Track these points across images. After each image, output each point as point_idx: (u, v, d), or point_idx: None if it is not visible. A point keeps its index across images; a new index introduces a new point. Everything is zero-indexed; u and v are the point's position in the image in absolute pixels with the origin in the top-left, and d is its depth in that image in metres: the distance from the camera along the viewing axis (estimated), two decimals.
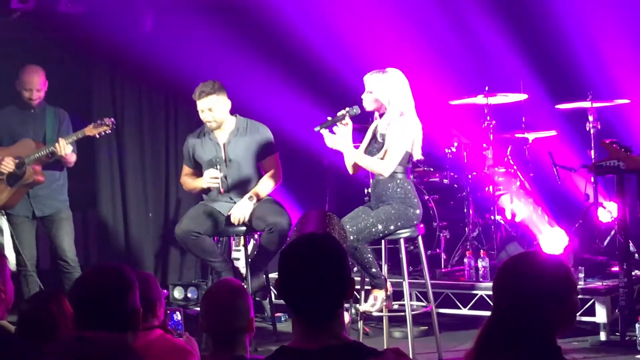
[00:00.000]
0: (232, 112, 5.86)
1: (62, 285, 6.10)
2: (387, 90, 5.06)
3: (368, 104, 5.15)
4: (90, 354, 2.48)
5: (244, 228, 5.66)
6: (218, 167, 5.72)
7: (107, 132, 6.02)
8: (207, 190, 5.86)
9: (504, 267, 2.46)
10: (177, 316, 4.19)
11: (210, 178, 5.70)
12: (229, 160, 5.75)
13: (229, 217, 5.64)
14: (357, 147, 5.27)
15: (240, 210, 5.59)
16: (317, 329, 2.30)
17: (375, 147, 5.15)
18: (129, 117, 7.99)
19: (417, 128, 5.11)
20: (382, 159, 5.06)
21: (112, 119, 6.05)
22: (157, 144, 8.15)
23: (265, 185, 5.74)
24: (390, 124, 5.05)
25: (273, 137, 5.87)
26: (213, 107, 5.70)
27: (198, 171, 5.92)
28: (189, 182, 5.97)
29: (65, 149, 5.91)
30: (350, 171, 5.33)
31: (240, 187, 5.75)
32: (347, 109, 5.10)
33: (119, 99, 7.95)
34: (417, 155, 5.18)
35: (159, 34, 7.57)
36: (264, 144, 5.80)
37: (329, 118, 5.12)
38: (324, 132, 5.06)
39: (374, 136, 5.21)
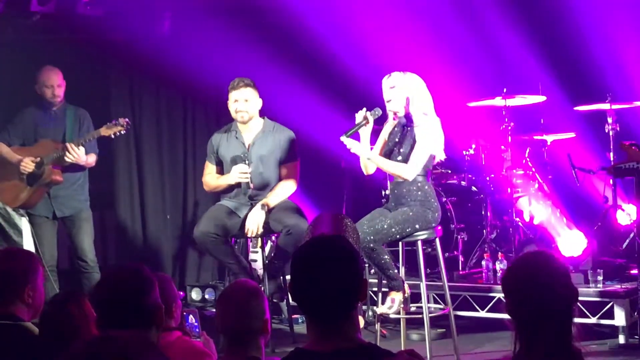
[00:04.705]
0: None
1: (81, 285, 6.14)
2: (411, 86, 5.08)
3: (397, 101, 5.09)
4: (114, 352, 2.50)
5: (260, 230, 5.67)
6: (247, 162, 5.73)
7: (121, 132, 6.04)
8: (228, 190, 5.86)
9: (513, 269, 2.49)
10: (192, 319, 4.19)
11: (240, 173, 5.71)
12: (251, 161, 5.77)
13: (244, 221, 5.66)
14: (371, 149, 5.28)
15: (254, 220, 5.59)
16: (331, 331, 2.29)
17: (399, 147, 5.13)
18: (147, 119, 8.02)
19: (440, 128, 5.12)
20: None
21: (127, 119, 6.06)
22: (175, 145, 8.19)
23: (278, 194, 5.72)
24: (417, 125, 5.05)
25: (297, 144, 5.88)
26: (249, 99, 5.75)
27: (220, 169, 5.94)
28: (213, 180, 5.96)
29: (75, 153, 5.95)
30: (365, 172, 5.33)
31: (259, 189, 5.76)
32: (369, 112, 5.10)
33: (137, 100, 7.98)
34: (441, 156, 5.18)
35: (177, 36, 7.60)
36: (286, 148, 5.81)
37: (357, 122, 5.11)
38: (347, 140, 5.04)
39: (398, 140, 5.18)
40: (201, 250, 7.65)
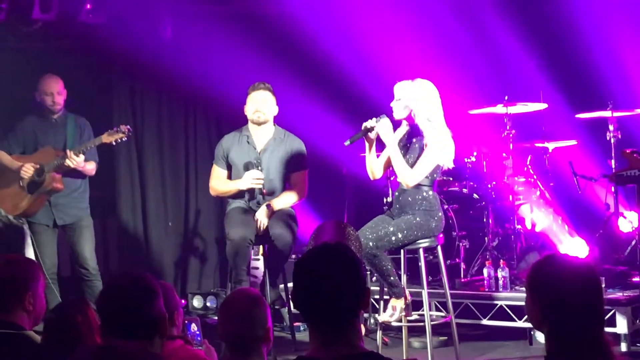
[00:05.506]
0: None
1: (83, 294, 6.13)
2: (415, 97, 5.07)
3: (398, 111, 5.14)
4: None
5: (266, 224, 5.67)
6: (260, 168, 5.74)
7: (123, 139, 6.03)
8: (236, 195, 5.85)
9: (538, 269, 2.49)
10: (194, 327, 4.19)
11: (254, 179, 5.71)
12: (262, 167, 5.77)
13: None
14: (378, 156, 5.28)
15: (262, 216, 5.61)
16: (333, 339, 2.29)
17: (405, 156, 5.12)
18: (148, 126, 8.02)
19: (450, 138, 5.12)
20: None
21: (128, 127, 6.05)
22: (177, 152, 8.18)
23: (284, 199, 5.74)
24: (426, 136, 5.04)
25: (306, 153, 5.91)
26: (267, 101, 5.81)
27: (229, 173, 5.93)
28: (222, 184, 5.93)
29: (75, 160, 5.94)
30: (372, 177, 5.33)
31: (268, 195, 5.77)
32: (375, 118, 5.10)
33: (139, 107, 7.98)
34: (449, 164, 5.17)
35: (179, 44, 7.60)
36: (296, 157, 5.83)
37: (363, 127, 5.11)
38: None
39: (406, 149, 5.18)
40: (202, 257, 7.67)
